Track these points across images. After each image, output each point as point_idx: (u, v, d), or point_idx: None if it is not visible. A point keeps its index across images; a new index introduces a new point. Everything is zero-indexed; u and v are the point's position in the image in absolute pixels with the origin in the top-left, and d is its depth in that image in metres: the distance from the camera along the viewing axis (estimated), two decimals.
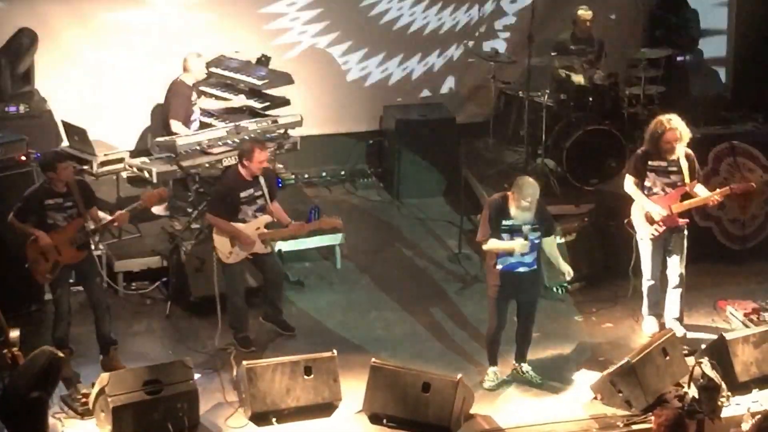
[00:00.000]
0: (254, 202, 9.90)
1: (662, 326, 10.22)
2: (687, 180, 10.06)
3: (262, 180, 9.90)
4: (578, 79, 12.62)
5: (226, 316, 10.06)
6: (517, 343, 9.77)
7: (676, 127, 9.95)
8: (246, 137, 11.23)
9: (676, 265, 10.24)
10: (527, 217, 9.27)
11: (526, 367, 9.76)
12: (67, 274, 9.64)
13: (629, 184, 10.18)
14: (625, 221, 10.25)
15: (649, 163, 10.08)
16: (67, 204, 9.49)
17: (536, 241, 9.38)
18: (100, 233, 9.84)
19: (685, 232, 10.24)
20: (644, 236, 10.14)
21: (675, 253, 10.21)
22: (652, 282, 10.33)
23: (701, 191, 10.16)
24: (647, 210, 10.07)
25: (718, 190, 10.24)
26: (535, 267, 9.47)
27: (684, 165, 10.03)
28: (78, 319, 9.95)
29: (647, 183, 10.12)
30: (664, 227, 10.07)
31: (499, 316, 9.55)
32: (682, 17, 13.95)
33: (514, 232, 9.32)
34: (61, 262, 9.48)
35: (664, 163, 10.06)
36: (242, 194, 9.84)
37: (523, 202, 9.19)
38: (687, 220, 10.23)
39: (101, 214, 9.73)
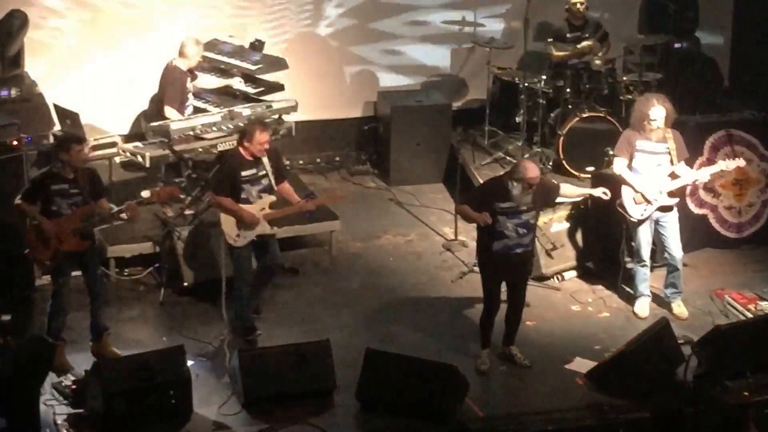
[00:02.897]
0: (258, 182, 9.79)
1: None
2: (675, 161, 10.09)
3: (265, 160, 9.78)
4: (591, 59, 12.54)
5: (229, 303, 9.94)
6: (506, 326, 9.77)
7: (659, 105, 9.98)
8: (240, 123, 11.17)
9: (672, 246, 10.30)
10: (527, 199, 9.32)
11: (514, 349, 9.77)
12: (69, 263, 9.48)
13: (619, 164, 10.24)
14: (617, 203, 10.25)
15: (637, 143, 10.09)
16: (73, 191, 9.33)
17: (532, 222, 9.41)
18: (107, 224, 9.66)
19: (675, 212, 10.27)
20: (635, 217, 10.18)
21: (669, 234, 10.27)
22: (644, 263, 10.41)
23: (684, 171, 10.15)
24: (637, 190, 10.11)
25: (704, 169, 10.34)
26: (531, 248, 9.54)
27: (672, 146, 10.05)
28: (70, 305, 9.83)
29: (634, 164, 10.16)
30: (652, 208, 10.11)
31: (494, 297, 9.60)
32: (680, 4, 13.89)
33: (512, 214, 9.32)
34: (61, 250, 9.35)
35: (650, 144, 10.08)
36: (243, 174, 9.72)
37: (522, 185, 9.24)
38: (677, 200, 10.24)
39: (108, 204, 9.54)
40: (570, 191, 10.19)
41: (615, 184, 10.30)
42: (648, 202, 10.16)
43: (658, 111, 10.05)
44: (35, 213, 9.31)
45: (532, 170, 9.26)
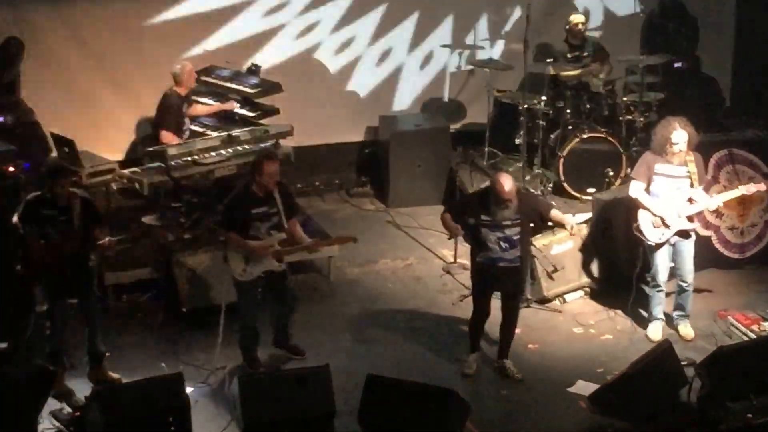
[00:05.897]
0: (268, 219, 9.66)
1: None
2: (696, 185, 10.00)
3: (277, 196, 9.66)
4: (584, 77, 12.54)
5: (234, 333, 9.87)
6: (500, 339, 9.83)
7: (680, 129, 9.90)
8: (239, 147, 11.15)
9: (685, 269, 10.25)
10: (506, 214, 9.32)
11: (507, 363, 9.81)
12: (62, 287, 9.39)
13: (636, 188, 10.13)
14: (634, 226, 10.16)
15: (656, 166, 10.00)
16: (63, 218, 9.25)
17: (515, 237, 9.38)
18: (98, 254, 9.59)
19: (693, 237, 10.21)
20: (652, 241, 10.09)
21: (684, 258, 10.21)
22: (660, 287, 10.33)
23: (700, 196, 10.07)
24: (656, 215, 10.01)
25: (721, 195, 10.25)
26: (518, 264, 9.49)
27: (692, 169, 9.97)
28: (67, 332, 9.74)
29: (653, 187, 10.06)
30: (671, 232, 10.03)
31: (480, 304, 9.70)
32: (681, 24, 13.88)
33: (493, 227, 9.35)
34: (53, 274, 9.26)
35: (671, 167, 9.99)
36: (254, 210, 9.59)
37: (498, 200, 9.27)
38: (696, 225, 10.19)
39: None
40: (557, 217, 9.80)
41: (631, 207, 10.24)
42: (666, 226, 10.07)
43: (680, 135, 9.91)
44: (26, 238, 9.22)
45: (501, 185, 9.24)
